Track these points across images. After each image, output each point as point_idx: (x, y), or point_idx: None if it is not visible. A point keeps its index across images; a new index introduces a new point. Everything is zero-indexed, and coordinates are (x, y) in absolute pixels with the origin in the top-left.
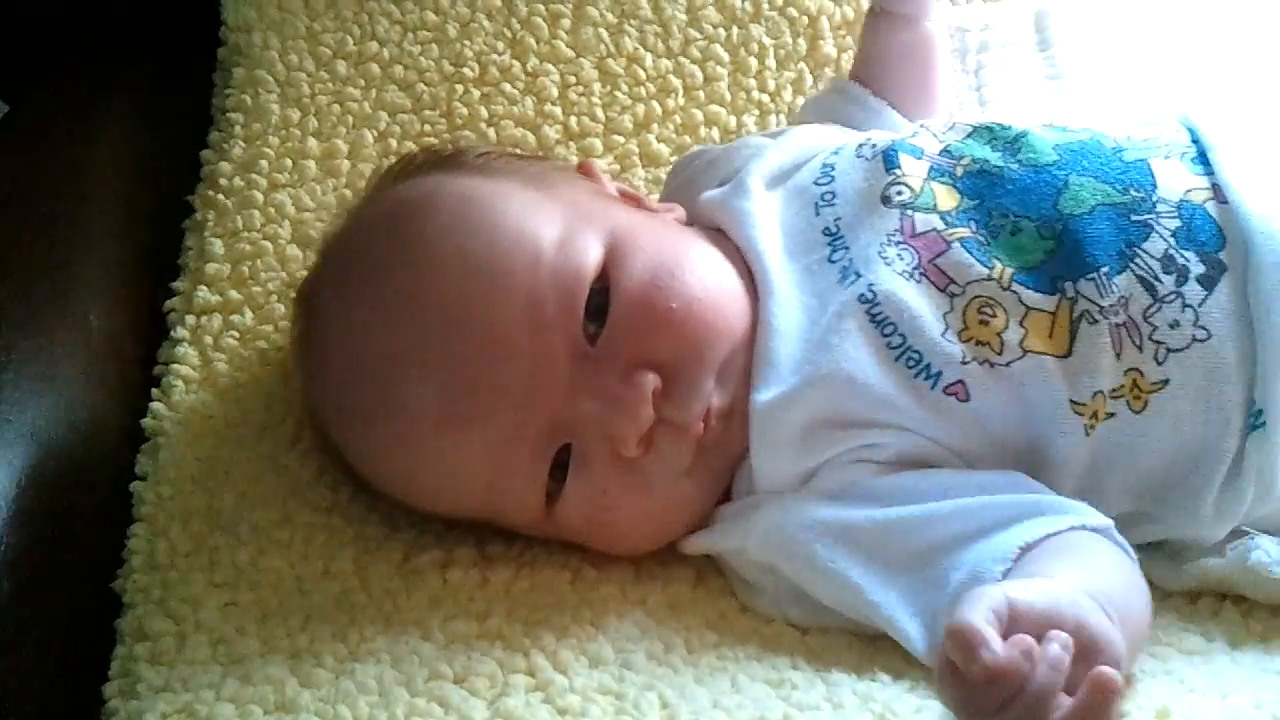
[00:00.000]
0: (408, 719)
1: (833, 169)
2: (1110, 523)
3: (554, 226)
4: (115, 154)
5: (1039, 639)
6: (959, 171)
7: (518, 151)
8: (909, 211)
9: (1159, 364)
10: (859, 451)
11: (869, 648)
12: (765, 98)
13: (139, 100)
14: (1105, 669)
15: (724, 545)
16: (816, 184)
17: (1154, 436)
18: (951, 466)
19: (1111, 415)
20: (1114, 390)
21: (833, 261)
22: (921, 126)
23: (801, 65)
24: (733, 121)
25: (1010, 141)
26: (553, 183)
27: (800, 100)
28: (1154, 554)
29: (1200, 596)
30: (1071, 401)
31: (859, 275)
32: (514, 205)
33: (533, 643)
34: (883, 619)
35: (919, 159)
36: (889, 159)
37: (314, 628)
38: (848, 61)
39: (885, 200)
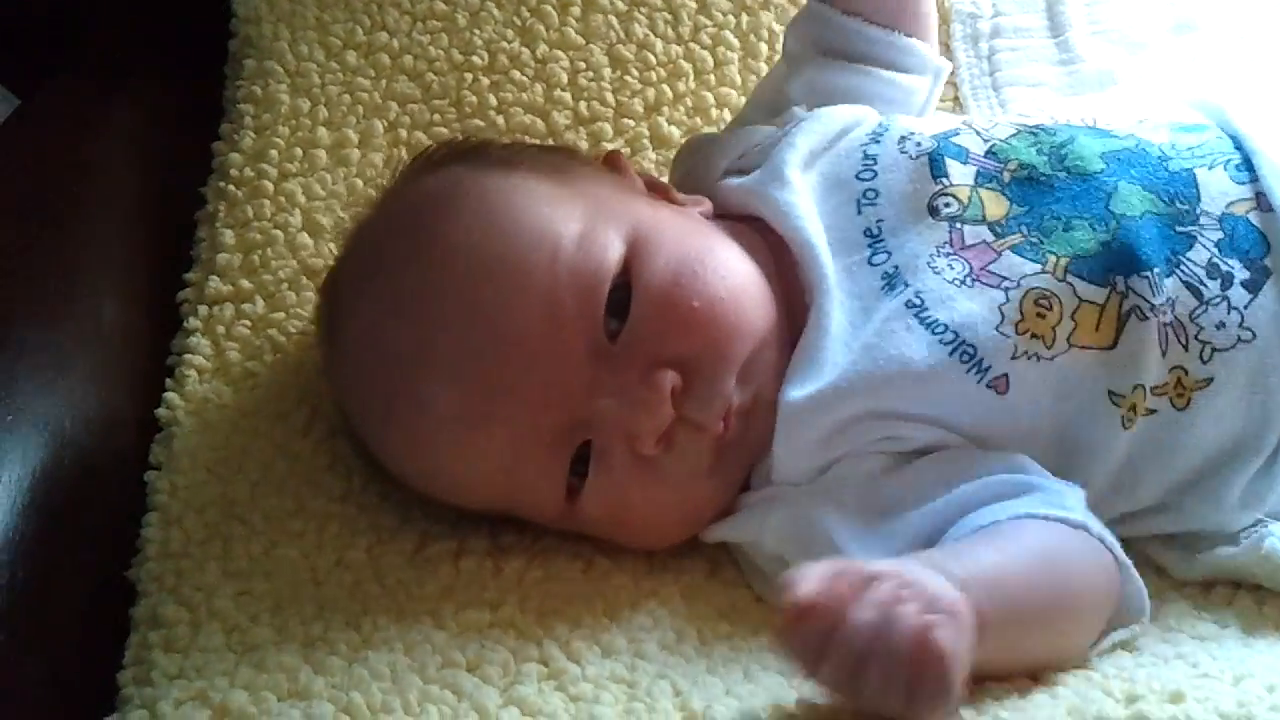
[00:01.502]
0: (420, 706)
1: (875, 162)
2: (1081, 518)
3: (574, 222)
4: (126, 146)
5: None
6: (1006, 177)
7: (543, 144)
8: (958, 224)
9: (1204, 363)
10: (883, 444)
11: None
12: None
13: (149, 93)
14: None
15: (740, 535)
16: (859, 178)
17: (1196, 433)
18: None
19: (1153, 412)
20: (1157, 387)
21: (874, 265)
22: (964, 124)
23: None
24: (743, 104)
25: (1057, 147)
26: (576, 177)
27: None
28: (1168, 543)
29: (1214, 585)
30: (1110, 393)
31: (906, 284)
32: (535, 202)
33: (545, 632)
34: None
35: (965, 164)
36: (935, 164)
37: (327, 616)
38: None
39: (933, 211)
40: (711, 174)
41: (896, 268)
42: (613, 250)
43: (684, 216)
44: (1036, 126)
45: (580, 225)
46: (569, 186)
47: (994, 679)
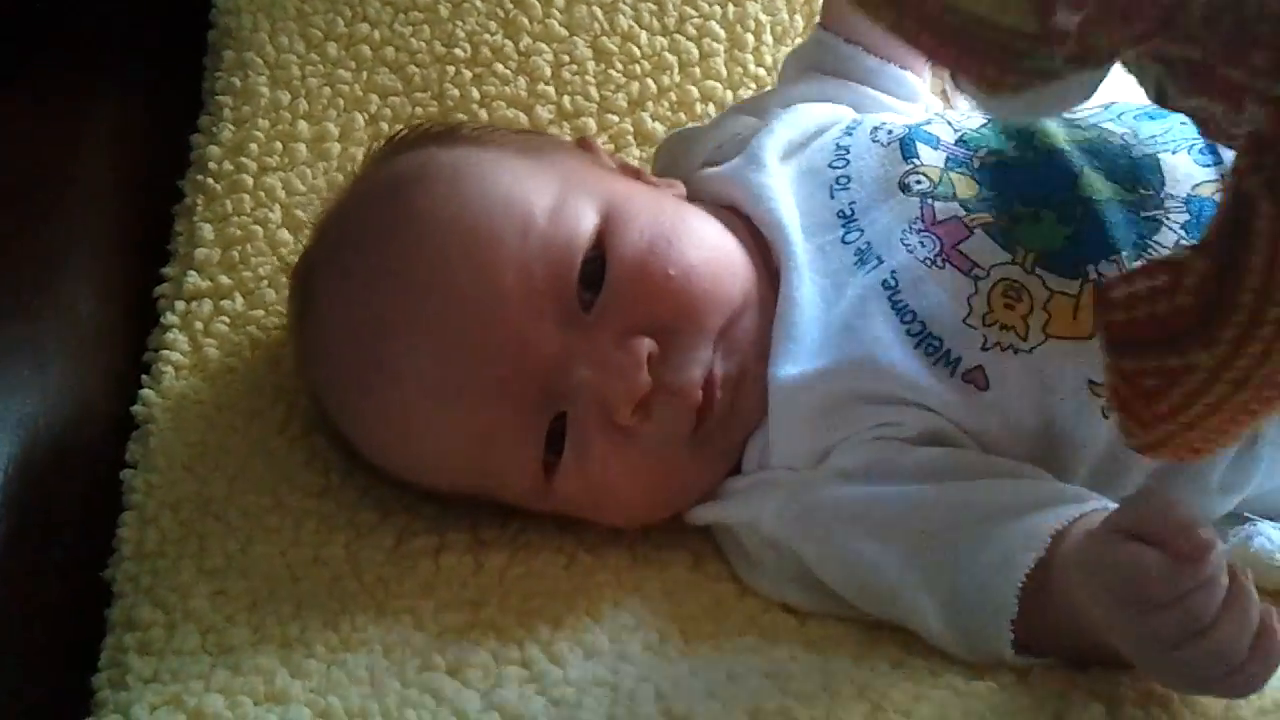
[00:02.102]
0: (400, 710)
1: (847, 152)
2: None
3: (547, 194)
4: (103, 139)
5: None
6: (976, 163)
7: (515, 128)
8: (929, 200)
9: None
10: (881, 429)
11: (867, 636)
12: (762, 72)
13: (127, 84)
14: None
15: (735, 519)
16: (831, 166)
17: None
18: (970, 450)
19: None
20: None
21: (846, 243)
22: (936, 114)
23: (798, 41)
24: (729, 97)
25: (1024, 129)
26: (549, 154)
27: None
28: None
29: None
30: (1090, 383)
31: (880, 260)
32: (506, 174)
33: (527, 633)
34: (899, 600)
35: (935, 149)
36: (906, 147)
37: (305, 616)
38: None
39: (904, 188)
40: (690, 165)
41: (869, 243)
42: (585, 221)
43: (658, 193)
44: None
45: (552, 197)
46: (541, 161)
47: (981, 678)
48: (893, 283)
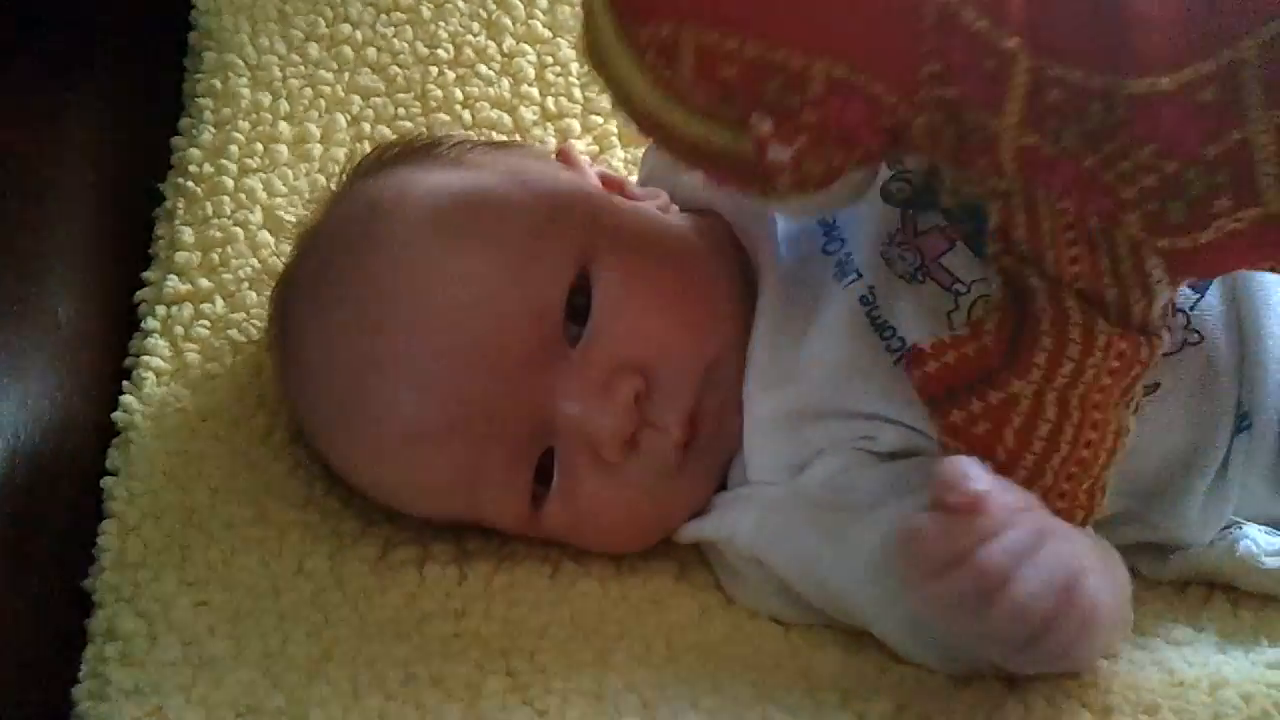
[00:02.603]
0: None
1: None
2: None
3: (529, 230)
4: (83, 141)
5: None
6: None
7: (494, 138)
8: (910, 210)
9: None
10: (855, 442)
11: (852, 644)
12: None
13: (107, 86)
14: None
15: (713, 534)
16: None
17: (1146, 439)
18: None
19: None
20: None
21: (827, 253)
22: None
23: None
24: None
25: None
26: (530, 176)
27: None
28: (1142, 546)
29: (1189, 585)
30: None
31: (859, 275)
32: (485, 207)
33: (511, 643)
34: (863, 617)
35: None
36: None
37: (287, 628)
38: None
39: (886, 196)
40: (675, 169)
41: (849, 255)
42: (568, 258)
43: (640, 213)
44: None
45: (535, 233)
46: (522, 188)
47: (968, 685)
48: (870, 298)
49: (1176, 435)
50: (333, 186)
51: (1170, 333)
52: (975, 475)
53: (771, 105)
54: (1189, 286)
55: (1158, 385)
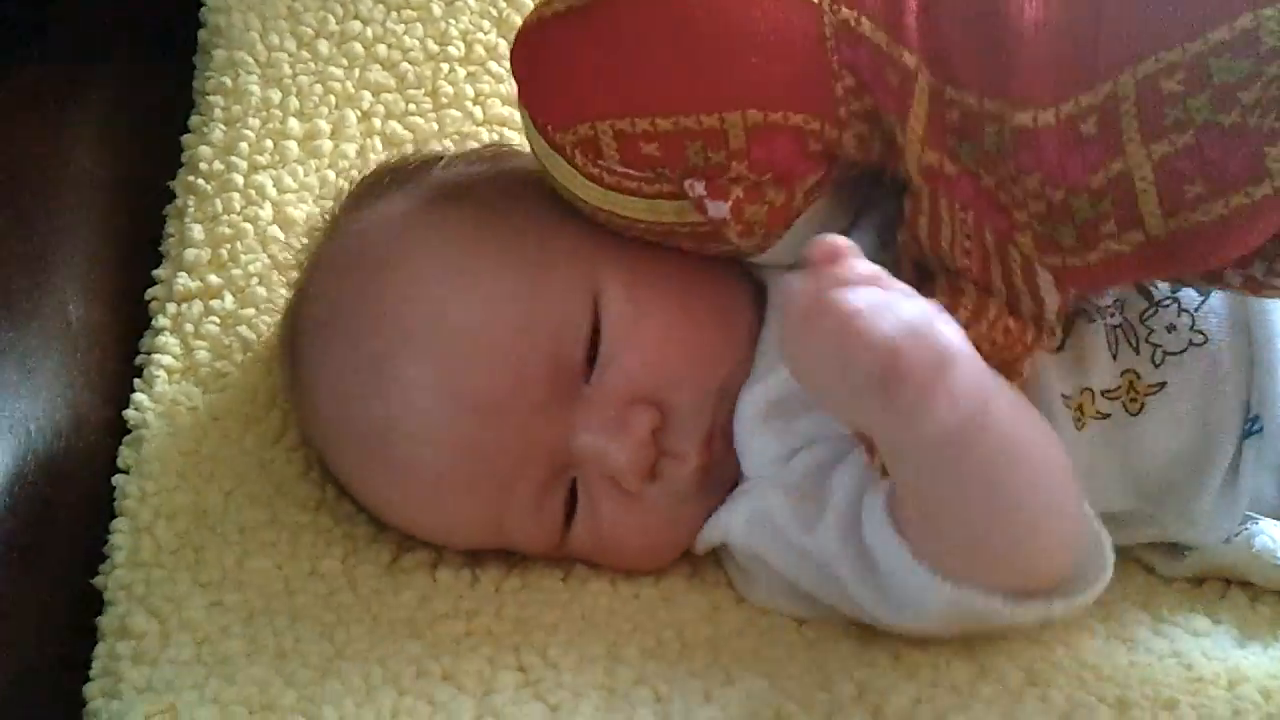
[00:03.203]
0: (394, 717)
1: None
2: None
3: (534, 277)
4: (94, 139)
5: None
6: None
7: (490, 148)
8: None
9: (1156, 366)
10: (839, 428)
11: (865, 637)
12: None
13: (117, 84)
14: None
15: (712, 536)
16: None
17: (1150, 439)
18: None
19: (1106, 416)
20: (1109, 391)
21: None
22: None
23: None
24: None
25: None
26: (530, 210)
27: None
28: (1154, 544)
29: (1205, 580)
30: (1062, 395)
31: None
32: (490, 257)
33: (522, 638)
34: (861, 614)
35: None
36: None
37: (299, 627)
38: None
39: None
40: None
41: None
42: (579, 301)
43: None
44: None
45: (541, 279)
46: (523, 228)
47: (985, 678)
48: None
49: (1183, 435)
50: (343, 183)
51: (1173, 331)
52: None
53: (699, 168)
54: (1193, 288)
55: (1164, 384)
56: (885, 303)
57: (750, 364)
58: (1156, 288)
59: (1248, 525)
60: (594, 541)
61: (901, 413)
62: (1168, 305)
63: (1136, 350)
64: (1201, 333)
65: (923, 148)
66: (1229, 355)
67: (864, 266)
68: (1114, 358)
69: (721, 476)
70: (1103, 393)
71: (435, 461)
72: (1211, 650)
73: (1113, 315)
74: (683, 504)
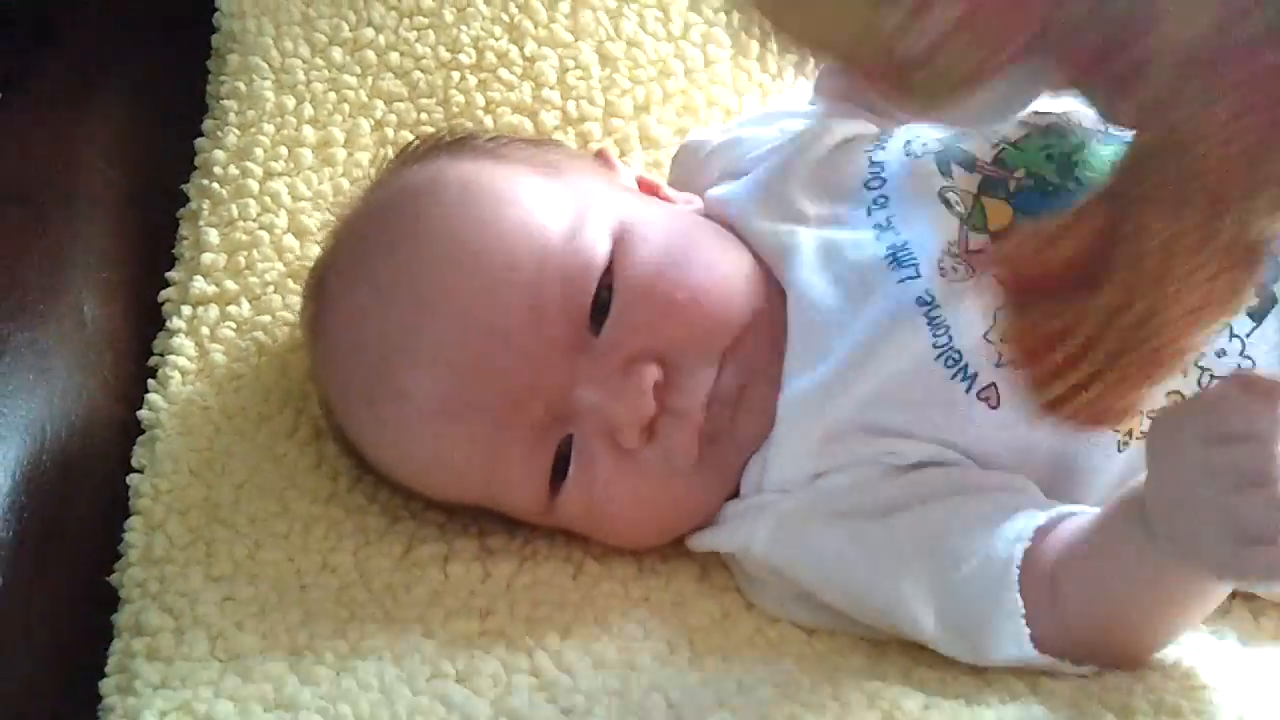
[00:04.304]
0: (410, 717)
1: (882, 169)
2: None
3: (562, 217)
4: (109, 142)
5: None
6: (1012, 185)
7: (531, 137)
8: (965, 226)
9: (1201, 389)
10: (878, 457)
11: (875, 648)
12: (766, 79)
13: (132, 87)
14: None
15: (730, 545)
16: (868, 186)
17: None
18: (962, 467)
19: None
20: (1154, 412)
21: (879, 240)
22: (973, 131)
23: None
24: (735, 102)
25: (1067, 154)
26: (564, 170)
27: (802, 82)
28: None
29: None
30: None
31: (918, 274)
32: (521, 194)
33: (536, 642)
34: (897, 616)
35: (970, 172)
36: (941, 165)
37: (313, 624)
38: None
39: (946, 204)
40: (705, 178)
41: (906, 244)
42: (600, 247)
43: (672, 212)
44: (1049, 127)
45: (568, 221)
46: (557, 179)
47: (990, 688)
48: (928, 299)
49: None
50: (357, 192)
51: (1223, 356)
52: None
53: None
54: (1247, 314)
55: None
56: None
57: (767, 348)
58: None
59: None
60: (584, 505)
61: (1219, 566)
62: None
63: (1184, 373)
64: (1250, 358)
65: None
66: None
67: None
68: None
69: (720, 461)
70: (1148, 412)
71: (436, 387)
72: (1214, 661)
73: None
74: (676, 476)
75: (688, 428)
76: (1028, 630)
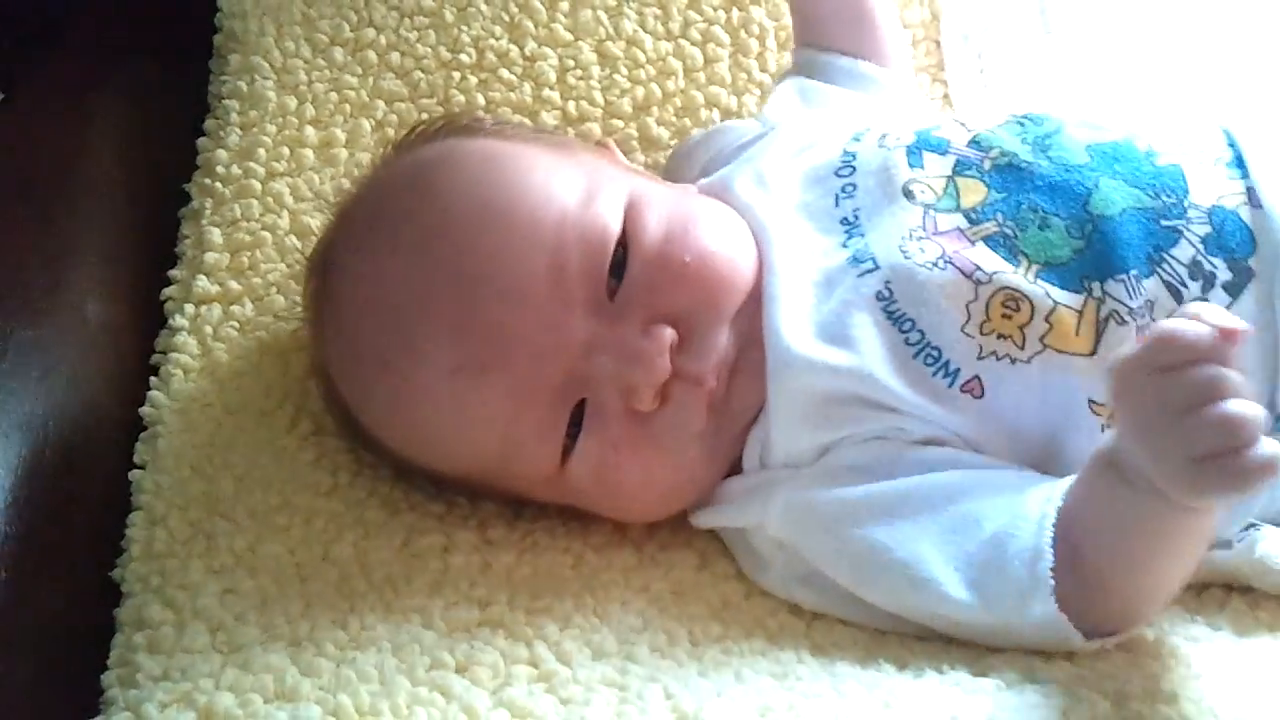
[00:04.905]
0: (410, 708)
1: (854, 159)
2: None
3: (577, 185)
4: (111, 141)
5: None
6: (986, 165)
7: (534, 126)
8: (931, 211)
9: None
10: (886, 431)
11: (873, 639)
12: (766, 78)
13: (134, 87)
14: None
15: (741, 521)
16: (837, 174)
17: None
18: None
19: None
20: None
21: (845, 247)
22: (951, 119)
23: None
24: (734, 103)
25: (1041, 137)
26: (573, 149)
27: None
28: None
29: (1207, 588)
30: (1091, 401)
31: (876, 266)
32: (537, 164)
33: (535, 632)
34: (915, 578)
35: (944, 155)
36: (911, 156)
37: (314, 615)
38: None
39: (908, 195)
40: (691, 173)
41: (867, 245)
42: (614, 213)
43: (674, 190)
44: (1025, 116)
45: (583, 188)
46: (567, 156)
47: (991, 672)
48: (887, 293)
49: None
50: (343, 196)
51: None
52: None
53: None
54: (1224, 289)
55: None
56: (1258, 410)
57: (758, 316)
58: (1186, 288)
59: (1249, 531)
60: (593, 471)
61: (1183, 489)
62: None
63: None
64: None
65: None
66: (1254, 357)
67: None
68: None
69: (725, 428)
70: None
71: (457, 347)
72: (1210, 651)
73: (1142, 316)
74: (685, 442)
75: (698, 395)
76: (1054, 585)
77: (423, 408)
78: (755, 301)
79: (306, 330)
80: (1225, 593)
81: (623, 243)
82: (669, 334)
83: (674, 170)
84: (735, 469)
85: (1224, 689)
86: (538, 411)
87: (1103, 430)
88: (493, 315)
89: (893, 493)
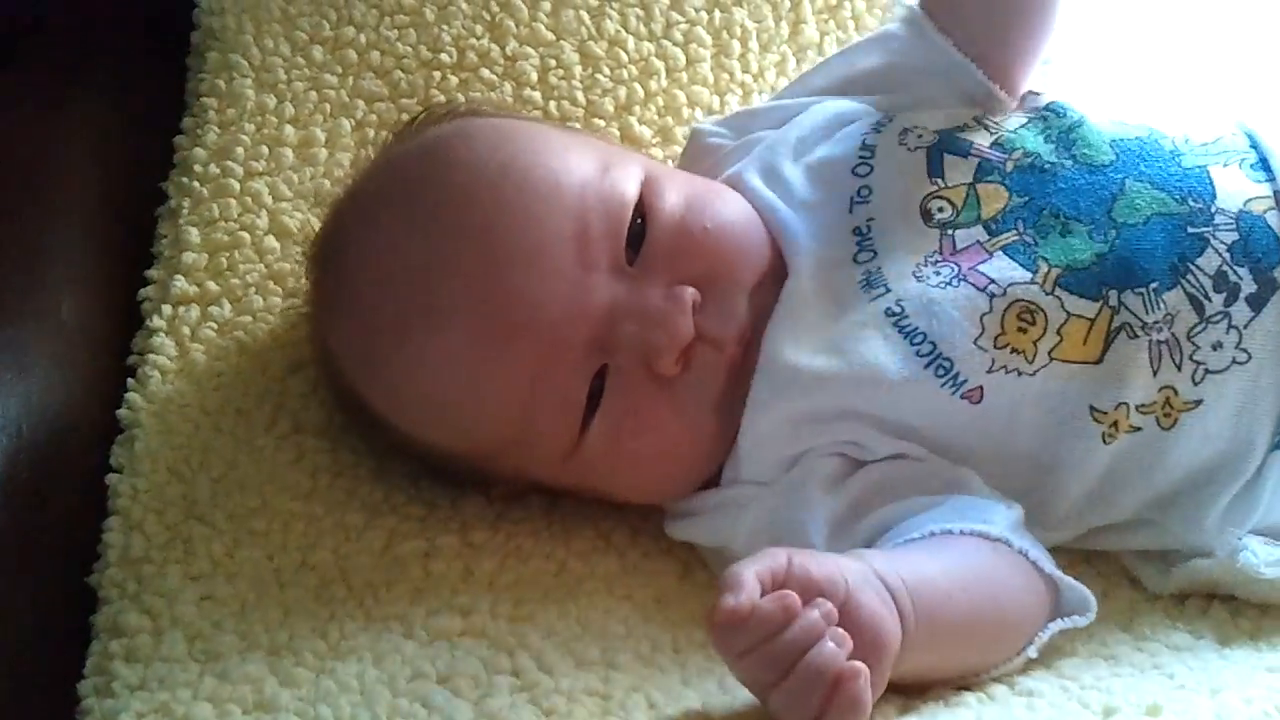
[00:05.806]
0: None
1: (872, 155)
2: (1000, 533)
3: (593, 157)
4: (86, 139)
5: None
6: (1009, 167)
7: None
8: (949, 231)
9: (1195, 384)
10: (839, 446)
11: None
12: (748, 79)
13: (110, 84)
14: (849, 664)
15: (711, 539)
16: (855, 173)
17: (1179, 453)
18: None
19: (1137, 429)
20: (1144, 406)
21: (857, 262)
22: (975, 118)
23: (784, 48)
24: (716, 102)
25: (1066, 131)
26: (580, 132)
27: (784, 82)
28: (1144, 555)
29: (1188, 596)
30: (1092, 409)
31: (888, 289)
32: (552, 136)
33: (518, 641)
34: None
35: (966, 157)
36: (933, 161)
37: (293, 623)
38: (830, 45)
39: (925, 215)
40: (702, 165)
41: (879, 268)
42: (633, 179)
43: (685, 171)
44: (1048, 108)
45: (599, 159)
46: (578, 134)
47: (975, 686)
48: (898, 309)
49: (1212, 450)
50: (339, 192)
51: (1219, 349)
52: (740, 585)
53: None
54: (1246, 302)
55: (1200, 401)
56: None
57: (772, 297)
58: (1210, 300)
59: (1232, 541)
60: (611, 441)
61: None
62: (1218, 321)
63: (1179, 367)
64: (1246, 350)
65: None
66: (1269, 373)
67: (762, 615)
68: (1155, 373)
69: (735, 398)
70: (1138, 407)
71: (480, 313)
72: (1193, 661)
73: (1160, 330)
74: (705, 409)
75: (720, 360)
76: None
77: (441, 377)
78: (767, 288)
79: (311, 312)
80: (1206, 600)
81: (640, 213)
82: (691, 293)
83: (689, 163)
84: (713, 480)
85: (1208, 702)
86: (559, 378)
87: (1105, 439)
88: (517, 280)
89: (846, 530)
